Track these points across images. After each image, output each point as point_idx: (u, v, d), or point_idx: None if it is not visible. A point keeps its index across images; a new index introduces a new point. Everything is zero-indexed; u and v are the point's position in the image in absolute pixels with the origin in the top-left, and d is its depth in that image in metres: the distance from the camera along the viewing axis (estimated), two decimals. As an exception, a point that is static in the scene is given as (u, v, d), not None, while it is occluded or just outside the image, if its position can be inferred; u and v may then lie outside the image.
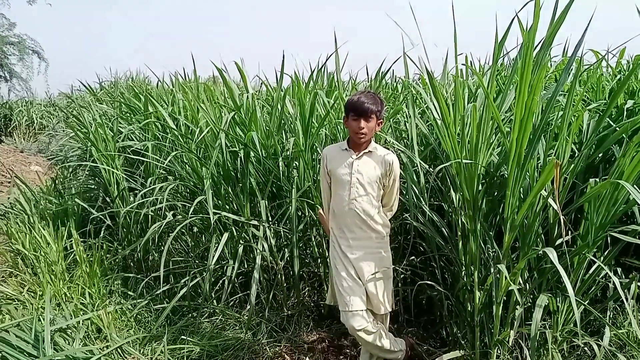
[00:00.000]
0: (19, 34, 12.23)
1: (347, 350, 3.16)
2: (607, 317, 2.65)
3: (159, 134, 4.34)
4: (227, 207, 3.47)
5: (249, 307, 3.17)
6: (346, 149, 2.63)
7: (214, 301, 3.51)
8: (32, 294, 3.55)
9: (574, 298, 1.94)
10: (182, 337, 3.16)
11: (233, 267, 3.31)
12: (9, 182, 7.71)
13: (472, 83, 3.46)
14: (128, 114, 5.09)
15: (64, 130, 9.84)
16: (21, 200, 5.22)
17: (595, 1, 2.37)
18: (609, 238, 2.56)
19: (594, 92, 3.27)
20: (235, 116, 3.38)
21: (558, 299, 2.40)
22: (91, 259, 3.80)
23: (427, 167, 3.00)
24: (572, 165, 2.38)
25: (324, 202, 2.86)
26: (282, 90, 3.48)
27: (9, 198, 6.10)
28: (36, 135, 13.47)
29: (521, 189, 2.30)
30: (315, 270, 3.72)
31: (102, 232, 4.32)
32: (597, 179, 2.33)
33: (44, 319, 2.70)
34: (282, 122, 3.49)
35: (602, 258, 2.44)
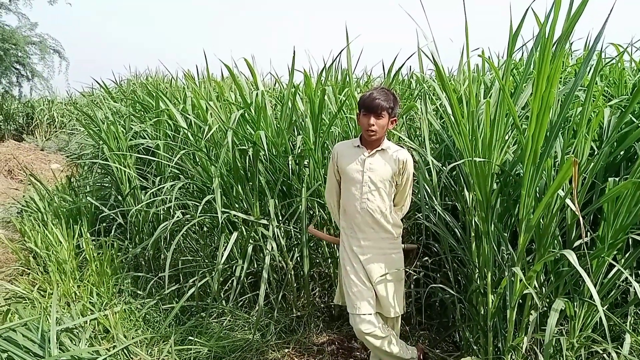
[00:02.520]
0: (40, 33, 12.38)
1: (357, 353, 3.09)
2: (628, 323, 2.54)
3: (170, 133, 4.32)
4: (237, 206, 3.42)
5: (257, 307, 3.12)
6: (358, 145, 2.55)
7: (223, 301, 3.46)
8: (42, 292, 3.56)
9: (599, 302, 1.84)
10: (190, 337, 3.12)
11: (242, 267, 3.26)
12: (27, 180, 7.79)
13: (488, 79, 3.36)
14: (141, 112, 5.08)
15: (78, 129, 9.93)
16: (36, 199, 5.26)
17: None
18: (630, 240, 2.44)
19: (616, 87, 3.14)
20: (245, 114, 3.33)
21: (575, 303, 2.29)
22: (102, 257, 3.78)
23: (439, 165, 2.90)
24: (592, 163, 2.27)
25: (329, 199, 2.78)
26: (293, 87, 3.42)
27: (24, 196, 6.16)
28: (57, 133, 13.64)
29: (537, 188, 2.20)
30: (326, 271, 3.65)
31: (113, 231, 4.32)
32: (618, 179, 2.22)
33: (50, 319, 2.69)
34: (293, 119, 3.43)
35: (622, 261, 2.33)
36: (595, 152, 2.45)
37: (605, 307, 2.31)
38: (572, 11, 1.92)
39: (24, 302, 3.43)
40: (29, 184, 6.00)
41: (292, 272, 3.38)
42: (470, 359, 2.46)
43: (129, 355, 2.88)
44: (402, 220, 2.67)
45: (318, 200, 3.30)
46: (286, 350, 3.09)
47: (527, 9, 2.20)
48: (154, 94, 4.59)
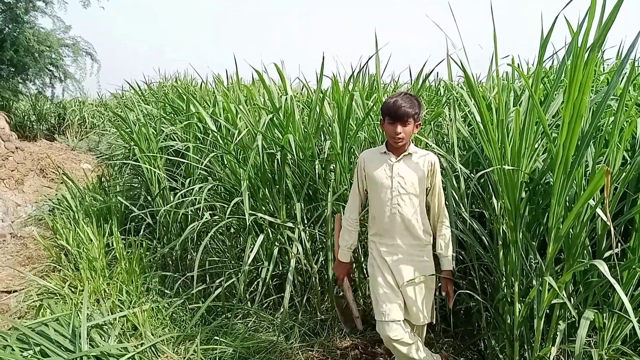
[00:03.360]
0: (73, 36, 12.70)
1: (381, 358, 3.09)
2: (660, 336, 2.49)
3: (200, 135, 4.39)
4: (264, 208, 3.46)
5: (282, 309, 3.15)
6: (385, 152, 2.55)
7: (248, 302, 3.50)
8: (72, 289, 3.65)
9: (632, 312, 1.81)
10: (216, 337, 3.17)
11: (268, 269, 3.29)
12: (59, 179, 7.98)
13: (518, 87, 3.33)
14: (172, 115, 5.17)
15: (108, 130, 10.14)
16: (68, 197, 5.39)
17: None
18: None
19: (649, 96, 3.08)
20: (274, 118, 3.37)
21: (605, 314, 2.26)
22: (131, 256, 3.86)
23: (468, 172, 2.89)
24: (624, 173, 2.24)
25: (349, 206, 2.75)
26: (321, 92, 3.45)
27: (56, 194, 6.31)
28: (87, 134, 13.95)
29: (567, 197, 2.18)
30: (350, 276, 3.66)
31: (142, 230, 4.40)
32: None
33: (81, 315, 2.76)
34: (321, 124, 3.46)
35: (654, 273, 2.28)
36: (628, 162, 2.41)
37: (636, 319, 2.27)
38: (604, 18, 1.91)
39: (55, 297, 3.53)
40: (61, 183, 6.16)
41: (317, 276, 3.40)
42: (495, 368, 2.45)
43: (156, 353, 2.93)
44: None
45: (343, 204, 3.31)
46: (310, 353, 3.11)
47: (557, 16, 2.18)
48: (184, 97, 4.67)
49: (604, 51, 3.91)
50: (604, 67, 3.93)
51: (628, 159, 2.53)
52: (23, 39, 10.93)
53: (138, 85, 6.67)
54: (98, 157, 10.42)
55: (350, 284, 2.96)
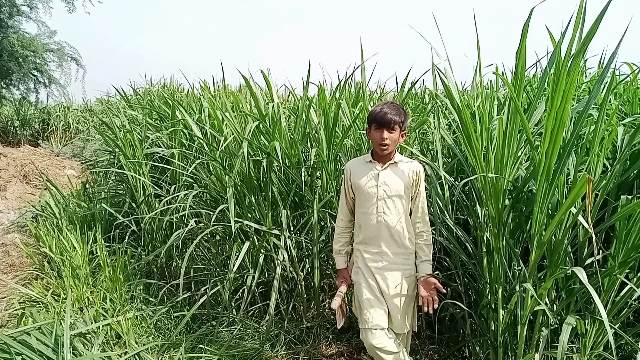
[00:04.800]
0: (58, 41, 12.60)
1: (367, 366, 3.09)
2: (640, 342, 2.52)
3: (186, 142, 4.37)
4: (250, 215, 3.45)
5: (268, 317, 3.14)
6: (370, 160, 2.57)
7: (234, 310, 3.48)
8: (55, 297, 3.60)
9: (607, 320, 1.84)
10: (201, 345, 3.15)
11: (253, 277, 3.28)
12: (43, 186, 7.89)
13: (502, 95, 3.37)
14: (158, 121, 5.15)
15: (93, 136, 10.06)
16: (51, 204, 5.33)
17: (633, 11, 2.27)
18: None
19: (629, 105, 3.14)
20: (260, 125, 3.37)
21: (587, 321, 2.29)
22: (115, 264, 3.83)
23: (452, 180, 2.92)
24: (604, 181, 2.27)
25: (338, 214, 2.78)
26: (307, 100, 3.46)
27: (39, 201, 6.24)
28: (72, 139, 13.81)
29: (549, 205, 2.21)
30: (336, 282, 3.66)
31: (127, 237, 4.36)
32: (631, 197, 2.22)
33: (64, 323, 2.72)
34: (307, 131, 3.46)
35: (634, 279, 2.32)
36: (608, 170, 2.45)
37: (617, 325, 2.30)
38: (585, 26, 1.94)
39: (38, 306, 3.48)
40: (45, 189, 6.09)
41: (303, 283, 3.40)
42: (479, 375, 2.46)
43: (140, 362, 2.90)
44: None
45: (330, 211, 3.32)
46: (295, 360, 3.11)
47: (525, 28, 2.21)
48: (170, 103, 4.66)
49: (585, 60, 3.98)
50: (585, 76, 4.00)
51: (609, 166, 2.57)
52: (7, 43, 10.83)
53: (124, 91, 6.62)
54: (83, 163, 10.32)
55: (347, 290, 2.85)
